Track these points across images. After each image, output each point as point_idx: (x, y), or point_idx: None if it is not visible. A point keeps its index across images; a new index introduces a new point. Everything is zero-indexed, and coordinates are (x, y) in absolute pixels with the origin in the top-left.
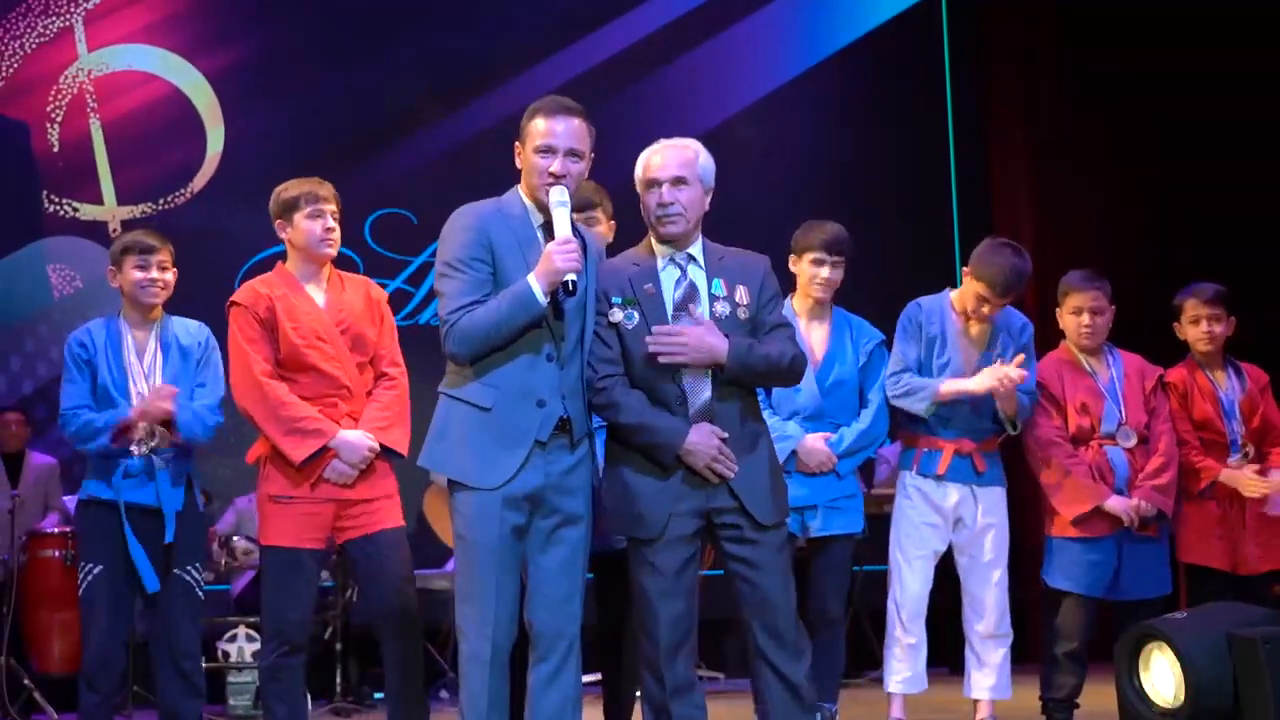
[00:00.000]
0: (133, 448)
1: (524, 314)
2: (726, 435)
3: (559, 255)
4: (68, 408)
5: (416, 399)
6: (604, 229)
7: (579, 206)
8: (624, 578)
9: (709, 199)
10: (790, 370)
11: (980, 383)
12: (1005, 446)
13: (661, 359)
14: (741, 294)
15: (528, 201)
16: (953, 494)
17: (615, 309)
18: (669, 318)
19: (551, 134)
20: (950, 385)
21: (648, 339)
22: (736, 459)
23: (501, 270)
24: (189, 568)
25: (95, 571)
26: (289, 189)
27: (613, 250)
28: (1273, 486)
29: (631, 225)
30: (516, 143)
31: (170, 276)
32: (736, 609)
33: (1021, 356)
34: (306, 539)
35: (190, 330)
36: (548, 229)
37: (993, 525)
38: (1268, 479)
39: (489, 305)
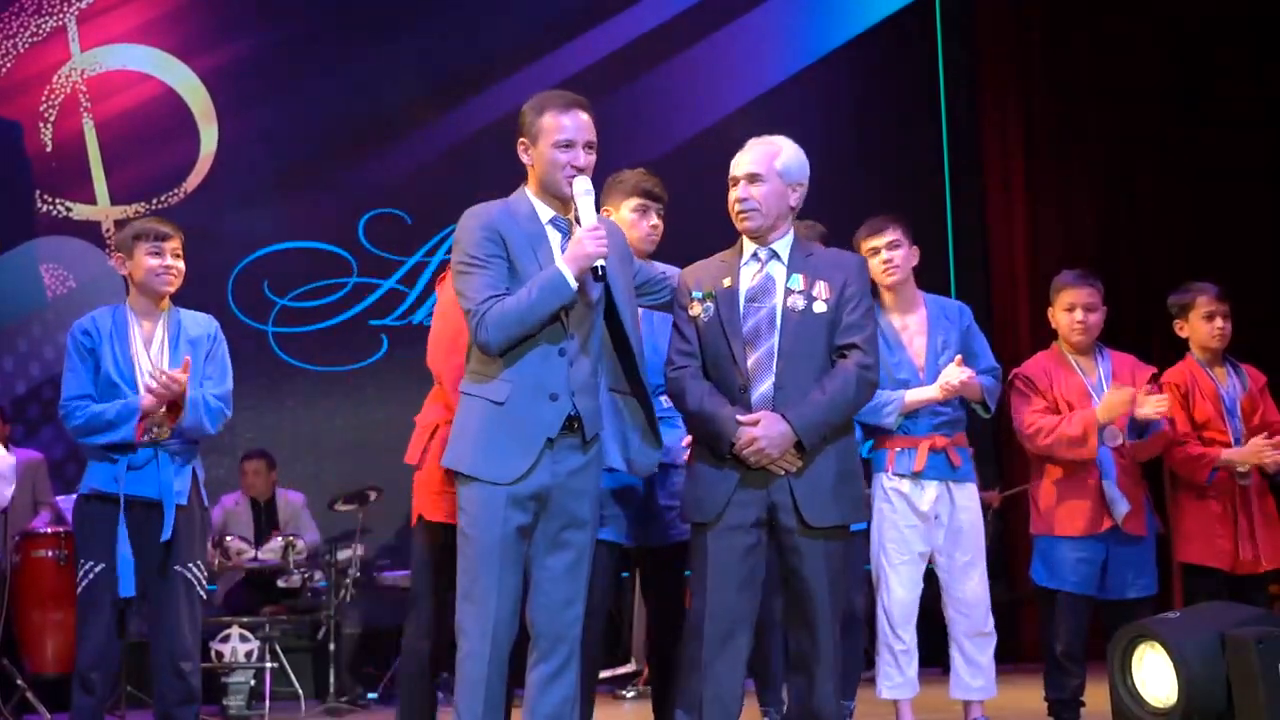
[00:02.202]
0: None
1: (555, 298)
2: (786, 428)
3: (590, 240)
4: (69, 398)
5: (412, 398)
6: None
7: (655, 197)
8: (675, 573)
9: (796, 194)
10: (858, 395)
11: (941, 390)
12: (994, 446)
13: (756, 464)
14: (821, 289)
15: (535, 199)
16: (930, 492)
17: (695, 303)
18: (740, 310)
19: (570, 129)
20: (914, 396)
21: (737, 449)
22: (800, 453)
23: (514, 265)
24: (190, 565)
25: (97, 570)
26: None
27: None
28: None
29: None
30: (522, 139)
31: (182, 265)
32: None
33: (959, 358)
34: None
35: (199, 322)
36: (556, 224)
37: (970, 522)
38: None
39: (519, 294)
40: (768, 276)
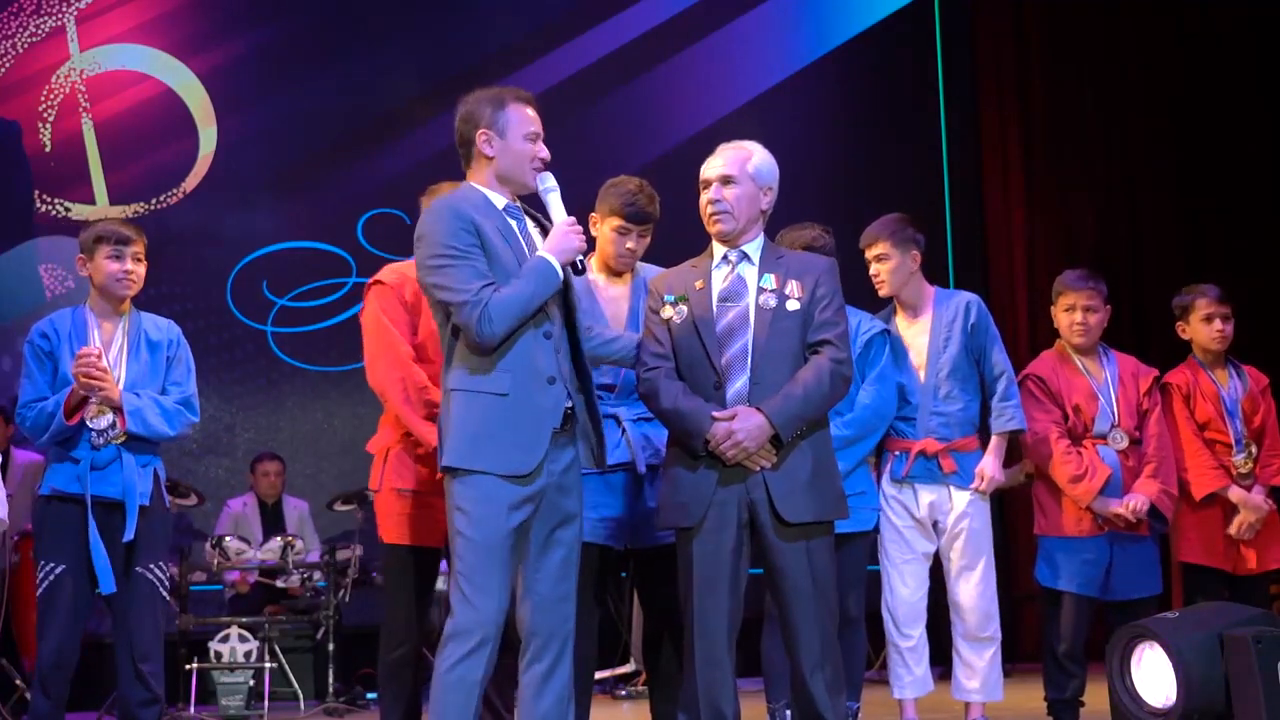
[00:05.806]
0: (94, 438)
1: (548, 288)
2: (762, 420)
3: (575, 234)
4: (24, 403)
5: None
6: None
7: (639, 219)
8: (668, 574)
9: (768, 198)
10: (833, 389)
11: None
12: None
13: (733, 459)
14: (793, 288)
15: (484, 190)
16: (924, 496)
17: (667, 306)
18: (713, 310)
19: (538, 122)
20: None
21: (713, 446)
22: (776, 449)
23: (489, 254)
24: (152, 566)
25: (57, 571)
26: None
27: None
28: None
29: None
30: (483, 130)
31: (143, 270)
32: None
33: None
34: (425, 537)
35: (160, 326)
36: (509, 212)
37: (969, 527)
38: None
39: (515, 285)
40: (739, 277)
